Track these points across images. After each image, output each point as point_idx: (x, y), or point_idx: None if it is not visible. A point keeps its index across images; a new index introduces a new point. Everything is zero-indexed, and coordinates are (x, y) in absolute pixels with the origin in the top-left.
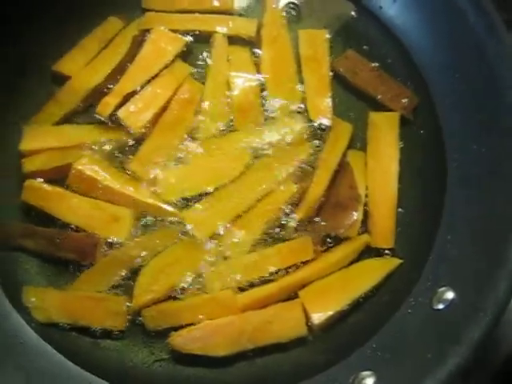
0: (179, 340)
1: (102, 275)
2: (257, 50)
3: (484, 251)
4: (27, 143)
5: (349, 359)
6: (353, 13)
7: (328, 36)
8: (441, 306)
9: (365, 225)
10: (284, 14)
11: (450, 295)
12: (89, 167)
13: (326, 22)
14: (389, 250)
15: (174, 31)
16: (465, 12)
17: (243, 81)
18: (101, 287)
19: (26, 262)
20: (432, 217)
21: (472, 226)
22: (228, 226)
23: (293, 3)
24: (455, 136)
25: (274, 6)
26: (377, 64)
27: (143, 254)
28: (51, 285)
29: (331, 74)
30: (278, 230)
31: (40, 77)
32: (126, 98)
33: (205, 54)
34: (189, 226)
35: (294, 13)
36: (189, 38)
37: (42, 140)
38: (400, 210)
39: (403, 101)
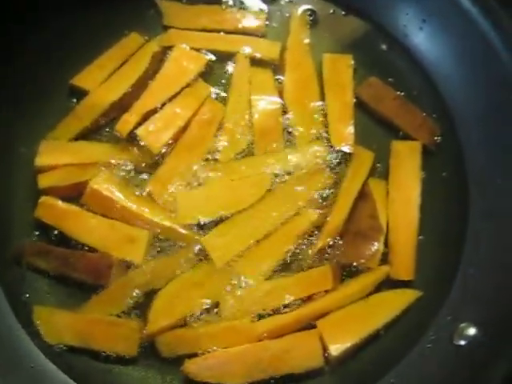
0: (193, 368)
1: (116, 298)
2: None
3: (507, 286)
4: (43, 158)
5: None
6: (378, 40)
7: (352, 62)
8: (462, 342)
9: (384, 255)
10: (307, 38)
11: (471, 331)
12: (105, 186)
13: (349, 48)
14: (408, 281)
15: (196, 49)
16: (494, 44)
17: (265, 103)
18: (114, 310)
19: (36, 282)
20: (454, 249)
21: (495, 260)
22: (247, 252)
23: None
24: (479, 169)
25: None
26: (400, 92)
27: (158, 277)
28: (62, 306)
29: (354, 100)
30: (297, 257)
31: (58, 91)
32: (146, 117)
33: (226, 75)
34: (207, 252)
35: (316, 36)
36: (210, 57)
37: (58, 156)
38: (421, 238)
39: (426, 131)
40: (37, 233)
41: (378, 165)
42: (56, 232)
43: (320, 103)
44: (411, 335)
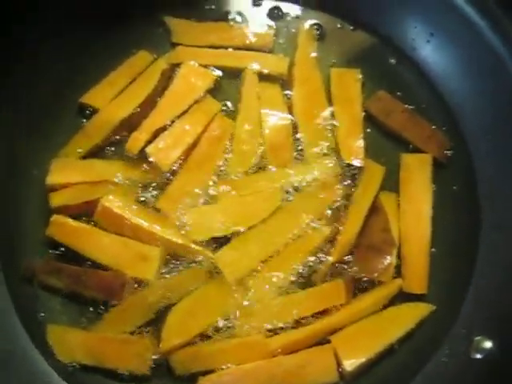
0: None
1: (128, 315)
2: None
3: None
4: (54, 177)
5: None
6: (386, 53)
7: (360, 76)
8: (478, 356)
9: (397, 268)
10: (315, 52)
11: (487, 344)
12: (116, 204)
13: (357, 62)
14: (421, 294)
15: (204, 66)
16: (501, 56)
17: (274, 119)
18: (127, 328)
19: (49, 300)
20: (466, 261)
21: (507, 271)
22: (259, 268)
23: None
24: (489, 181)
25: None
26: (409, 106)
27: (171, 294)
28: (75, 324)
29: (363, 114)
30: (309, 272)
31: (67, 109)
32: (156, 134)
33: (235, 91)
34: (220, 268)
35: (323, 51)
36: (218, 73)
37: (69, 174)
38: (433, 251)
39: (436, 143)
40: (49, 251)
41: (390, 176)
42: (68, 250)
43: (329, 117)
44: (426, 349)
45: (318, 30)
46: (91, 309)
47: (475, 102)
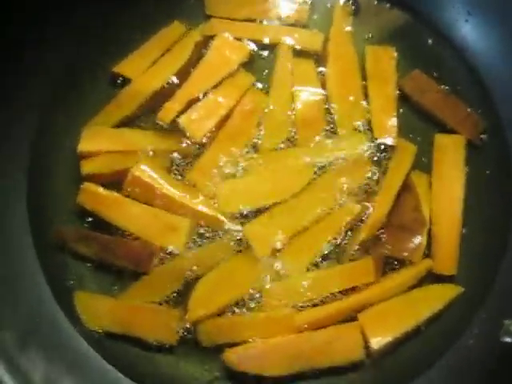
0: (234, 357)
1: (157, 285)
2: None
3: None
4: (86, 145)
5: None
6: (422, 32)
7: (395, 54)
8: (508, 340)
9: (427, 249)
10: (350, 28)
11: None
12: (147, 174)
13: (393, 40)
14: (451, 275)
15: (238, 39)
16: None
17: (307, 94)
18: (154, 298)
19: (79, 268)
20: (497, 243)
21: None
22: (288, 242)
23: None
24: None
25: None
26: (444, 86)
27: (199, 265)
28: (103, 292)
29: (397, 92)
30: (338, 250)
31: (100, 79)
32: (188, 106)
33: (268, 65)
34: (249, 241)
35: (359, 27)
36: (252, 47)
37: (100, 142)
38: (464, 232)
39: (470, 125)
40: (79, 219)
41: (422, 156)
42: (98, 218)
43: (363, 95)
44: (453, 330)
45: (353, 5)
46: (120, 277)
47: None
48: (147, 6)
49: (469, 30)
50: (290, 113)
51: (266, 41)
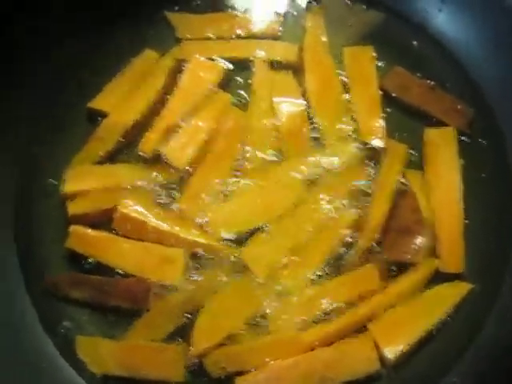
0: None
1: (158, 322)
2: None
3: None
4: (70, 185)
5: None
6: (398, 28)
7: (374, 53)
8: None
9: (431, 249)
10: (323, 36)
11: None
12: (134, 209)
13: (369, 40)
14: (459, 273)
15: (212, 59)
16: None
17: (288, 106)
18: (158, 335)
19: (75, 312)
20: (503, 233)
21: None
22: (287, 260)
23: None
24: None
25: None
26: (426, 79)
27: (199, 295)
28: (104, 334)
29: (380, 92)
30: (339, 260)
31: (78, 117)
32: (168, 133)
33: (245, 82)
34: (247, 265)
35: (334, 32)
36: (227, 65)
37: (84, 181)
38: (467, 223)
39: (458, 114)
40: (71, 262)
41: (413, 154)
42: (90, 260)
43: (346, 100)
44: (469, 330)
45: (325, 11)
46: (119, 317)
47: (495, 68)
48: (117, 38)
49: (444, 20)
50: (272, 127)
51: (240, 57)
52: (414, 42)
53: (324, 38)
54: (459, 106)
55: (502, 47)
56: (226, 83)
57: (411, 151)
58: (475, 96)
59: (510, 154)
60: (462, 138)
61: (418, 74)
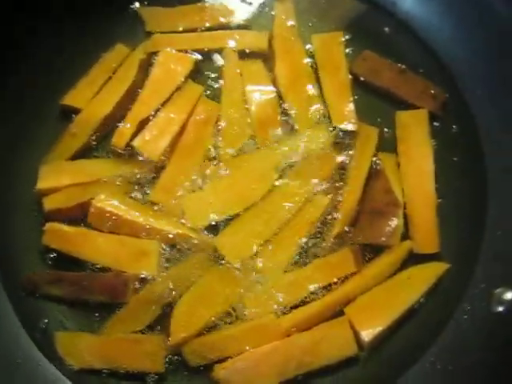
0: (223, 373)
1: (136, 314)
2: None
3: None
4: (44, 182)
5: (407, 375)
6: (366, 11)
7: (343, 39)
8: (501, 309)
9: (405, 230)
10: (293, 23)
11: (509, 295)
12: (108, 203)
13: (337, 24)
14: (434, 254)
15: (182, 51)
16: None
17: (260, 94)
18: (136, 327)
19: (54, 309)
20: (477, 212)
21: None
22: (261, 247)
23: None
24: (490, 126)
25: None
26: (397, 63)
27: (176, 286)
28: (83, 329)
29: (350, 77)
30: (314, 245)
31: (50, 113)
32: (141, 126)
33: (216, 72)
34: (221, 253)
35: (303, 20)
36: (197, 57)
37: (59, 177)
38: (440, 201)
39: (429, 97)
40: (47, 259)
41: (386, 137)
42: (67, 256)
43: (316, 85)
44: (445, 309)
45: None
46: (98, 312)
47: (466, 52)
48: (88, 33)
49: (413, 4)
50: (245, 116)
51: (211, 48)
52: (386, 29)
53: (293, 23)
54: (431, 89)
55: (472, 30)
56: (197, 74)
57: (385, 130)
58: (447, 80)
59: (481, 137)
60: (434, 123)
61: (390, 61)
